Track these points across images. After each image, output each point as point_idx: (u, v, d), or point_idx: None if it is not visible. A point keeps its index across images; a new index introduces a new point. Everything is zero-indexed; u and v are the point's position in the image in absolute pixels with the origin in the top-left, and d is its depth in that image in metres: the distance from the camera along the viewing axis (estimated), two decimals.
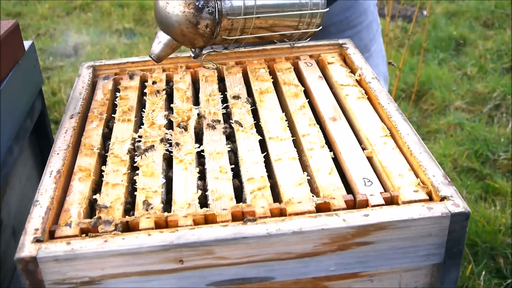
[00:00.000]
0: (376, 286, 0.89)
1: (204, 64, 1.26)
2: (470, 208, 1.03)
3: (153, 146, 1.04)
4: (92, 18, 4.35)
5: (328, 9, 1.21)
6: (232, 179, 0.95)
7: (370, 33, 1.63)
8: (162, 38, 1.16)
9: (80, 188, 0.95)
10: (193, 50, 1.20)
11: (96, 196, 0.93)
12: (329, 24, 1.50)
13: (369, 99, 1.16)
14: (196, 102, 1.22)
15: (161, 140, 1.05)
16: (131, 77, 1.30)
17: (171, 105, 1.18)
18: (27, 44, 1.38)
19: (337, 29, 1.54)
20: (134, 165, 1.01)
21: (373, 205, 0.88)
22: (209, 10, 1.09)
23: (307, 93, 1.22)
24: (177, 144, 1.05)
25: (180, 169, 0.98)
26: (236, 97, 1.19)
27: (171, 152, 1.03)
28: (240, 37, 1.15)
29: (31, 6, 4.60)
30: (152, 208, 0.89)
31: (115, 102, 1.21)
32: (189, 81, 1.28)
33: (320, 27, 1.23)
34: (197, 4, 1.08)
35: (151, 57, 1.18)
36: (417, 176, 0.93)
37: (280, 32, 1.20)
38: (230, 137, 1.08)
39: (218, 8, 1.10)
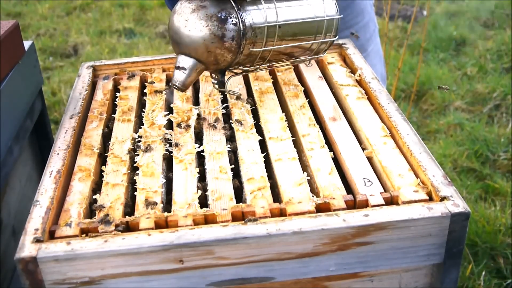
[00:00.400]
0: (376, 286, 0.89)
1: (229, 91, 1.18)
2: (470, 208, 1.03)
3: (149, 145, 1.04)
4: (92, 18, 4.35)
5: (342, 15, 1.18)
6: (232, 179, 0.95)
7: (367, 33, 1.64)
8: (184, 63, 1.06)
9: (80, 188, 0.95)
10: (215, 76, 1.13)
11: (96, 196, 0.93)
12: None
13: (369, 99, 1.16)
14: (196, 102, 1.22)
15: (162, 140, 1.06)
16: (131, 77, 1.30)
17: (171, 105, 1.18)
18: (27, 44, 1.38)
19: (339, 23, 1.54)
20: (134, 165, 1.01)
21: (373, 205, 0.88)
22: (232, 20, 1.03)
23: (307, 93, 1.22)
24: (177, 144, 1.05)
25: (180, 169, 0.98)
26: (237, 97, 1.19)
27: (171, 152, 1.03)
28: (266, 48, 1.09)
29: (31, 6, 4.60)
30: (154, 207, 0.89)
31: (115, 102, 1.21)
32: None
33: (337, 37, 1.19)
34: (219, 15, 1.02)
35: (175, 86, 1.08)
36: (417, 176, 0.93)
37: (302, 43, 1.14)
38: (230, 137, 1.08)
39: (240, 18, 1.04)
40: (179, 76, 1.07)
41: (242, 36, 1.04)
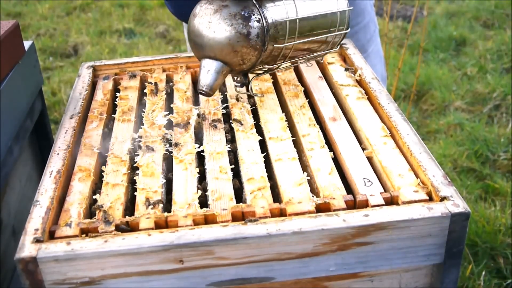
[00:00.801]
0: (376, 286, 0.89)
1: (254, 94, 1.15)
2: (470, 208, 1.03)
3: (148, 145, 1.04)
4: (92, 18, 4.35)
5: (352, 7, 1.19)
6: (232, 179, 0.95)
7: (367, 34, 1.63)
8: (209, 66, 1.04)
9: (80, 188, 0.95)
10: (237, 78, 1.12)
11: (96, 196, 0.93)
12: None
13: (369, 99, 1.16)
14: (196, 102, 1.22)
15: (162, 139, 1.06)
16: (132, 77, 1.30)
17: (171, 105, 1.18)
18: (27, 44, 1.38)
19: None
20: (134, 165, 1.01)
21: (373, 205, 0.88)
22: (256, 18, 1.02)
23: (307, 93, 1.22)
24: (177, 144, 1.05)
25: (180, 169, 0.98)
26: (237, 98, 1.19)
27: (171, 152, 1.03)
28: (288, 44, 1.07)
29: (31, 6, 4.60)
30: (155, 206, 0.89)
31: (115, 102, 1.21)
32: (189, 81, 1.28)
33: (349, 29, 1.19)
34: (243, 13, 1.01)
35: (202, 91, 1.05)
36: (417, 176, 0.93)
37: (319, 37, 1.14)
38: (230, 137, 1.08)
39: (263, 15, 1.03)
40: (205, 80, 1.04)
41: (266, 32, 1.03)
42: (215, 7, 1.02)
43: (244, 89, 1.15)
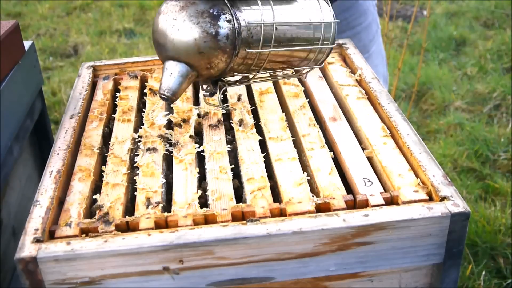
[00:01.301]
0: (376, 286, 0.89)
1: (223, 107, 1.08)
2: (470, 208, 1.03)
3: (150, 147, 1.04)
4: (92, 18, 4.35)
5: (339, 20, 1.10)
6: (232, 179, 0.95)
7: (370, 34, 1.63)
8: (173, 68, 0.94)
9: (80, 188, 0.95)
10: (205, 88, 1.03)
11: (96, 196, 0.93)
12: None
13: (369, 99, 1.16)
14: (196, 102, 1.22)
15: (161, 137, 1.06)
16: (133, 77, 1.30)
17: (171, 105, 1.18)
18: (27, 44, 1.39)
19: (336, 30, 1.54)
20: (134, 165, 1.01)
21: (373, 205, 0.88)
22: (226, 17, 0.93)
23: (307, 93, 1.22)
24: (177, 144, 1.05)
25: (180, 169, 0.98)
26: (237, 98, 1.19)
27: (171, 152, 1.03)
28: (263, 50, 0.98)
29: (31, 6, 4.61)
30: (156, 205, 0.89)
31: (115, 102, 1.21)
32: None
33: (335, 44, 1.10)
34: (211, 11, 0.92)
35: (163, 96, 0.96)
36: (417, 176, 0.93)
37: (299, 48, 1.04)
38: (230, 137, 1.08)
39: (235, 15, 0.94)
40: (167, 83, 0.95)
41: (237, 35, 0.94)
42: (181, 4, 0.94)
43: (215, 99, 1.05)
